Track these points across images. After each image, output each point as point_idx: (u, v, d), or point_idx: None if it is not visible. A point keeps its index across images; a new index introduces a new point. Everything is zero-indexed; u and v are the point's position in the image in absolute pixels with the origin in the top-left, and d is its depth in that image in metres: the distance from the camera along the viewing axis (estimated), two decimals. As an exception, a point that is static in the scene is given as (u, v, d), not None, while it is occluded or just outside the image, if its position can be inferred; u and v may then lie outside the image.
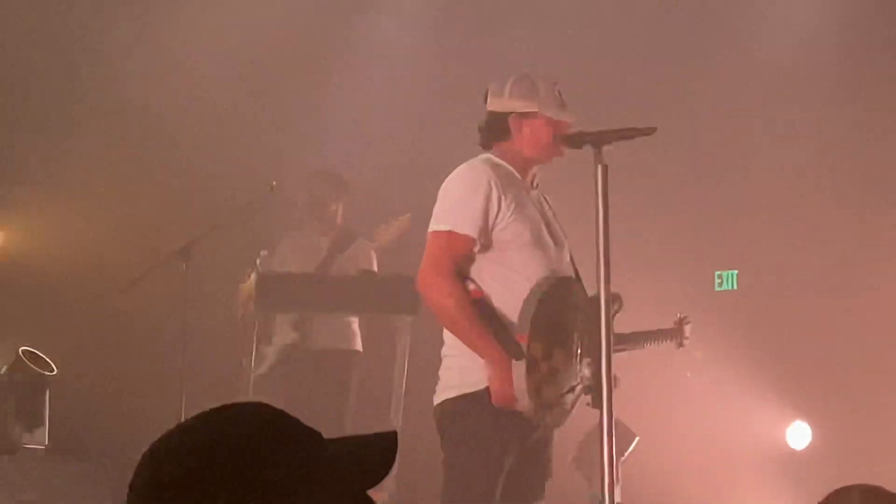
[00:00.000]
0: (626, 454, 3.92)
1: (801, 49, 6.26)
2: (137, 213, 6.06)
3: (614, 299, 2.97)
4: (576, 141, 2.98)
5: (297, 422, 0.87)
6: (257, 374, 4.82)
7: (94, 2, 6.75)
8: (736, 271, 5.04)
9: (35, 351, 4.56)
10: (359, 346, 5.01)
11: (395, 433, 0.87)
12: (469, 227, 3.04)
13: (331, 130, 6.32)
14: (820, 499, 2.03)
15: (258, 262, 4.70)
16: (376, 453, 0.87)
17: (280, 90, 6.78)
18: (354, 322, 4.95)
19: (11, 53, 6.30)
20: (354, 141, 6.35)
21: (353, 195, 5.23)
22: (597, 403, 2.87)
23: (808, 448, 5.42)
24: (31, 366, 4.46)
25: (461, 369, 3.11)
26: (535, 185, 3.25)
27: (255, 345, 4.75)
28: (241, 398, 4.23)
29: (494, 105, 3.24)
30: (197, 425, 0.82)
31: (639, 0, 6.89)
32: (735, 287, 5.10)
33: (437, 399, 3.14)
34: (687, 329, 3.49)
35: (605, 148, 2.82)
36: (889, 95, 5.88)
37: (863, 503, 2.16)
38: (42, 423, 4.45)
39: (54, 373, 4.47)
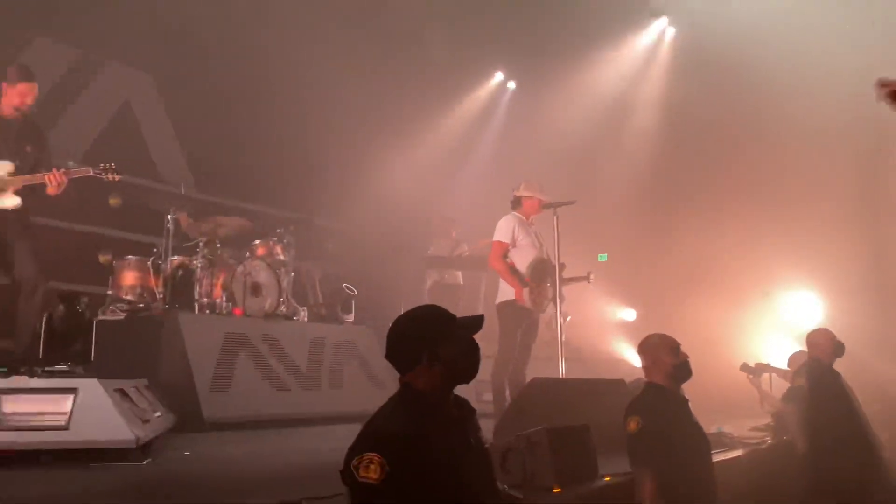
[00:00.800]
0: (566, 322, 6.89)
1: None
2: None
3: (562, 266, 6.93)
4: (546, 207, 6.71)
5: (446, 310, 2.69)
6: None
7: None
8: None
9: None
10: (461, 281, 9.50)
11: (482, 315, 2.73)
12: (506, 239, 6.52)
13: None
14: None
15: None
16: (477, 320, 2.81)
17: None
18: (459, 274, 9.36)
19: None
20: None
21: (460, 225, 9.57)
22: (555, 306, 6.89)
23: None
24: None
25: (505, 290, 6.43)
26: (531, 223, 6.62)
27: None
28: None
29: (517, 192, 6.68)
30: (412, 311, 2.71)
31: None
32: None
33: (497, 301, 6.61)
34: (591, 276, 6.97)
35: (558, 209, 6.80)
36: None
37: (660, 339, 4.76)
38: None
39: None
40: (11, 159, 5.69)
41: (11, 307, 5.68)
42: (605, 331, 9.98)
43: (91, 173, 5.69)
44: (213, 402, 6.54)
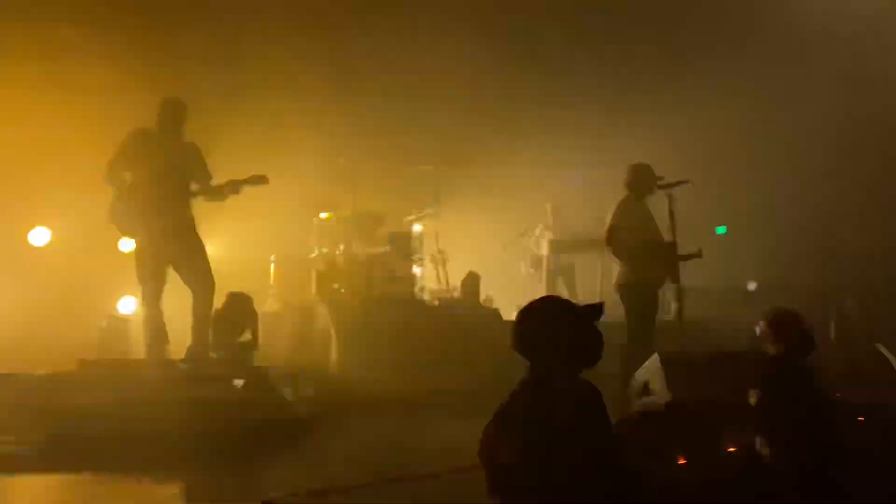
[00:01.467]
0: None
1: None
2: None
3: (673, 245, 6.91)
4: (661, 188, 6.65)
5: (568, 300, 2.93)
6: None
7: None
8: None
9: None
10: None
11: (603, 303, 2.78)
12: (621, 221, 6.63)
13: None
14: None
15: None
16: (598, 308, 2.83)
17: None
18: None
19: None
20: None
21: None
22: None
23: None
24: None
25: (625, 271, 6.51)
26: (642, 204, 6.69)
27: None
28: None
29: (629, 174, 6.73)
30: (536, 301, 2.86)
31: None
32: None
33: (617, 282, 6.63)
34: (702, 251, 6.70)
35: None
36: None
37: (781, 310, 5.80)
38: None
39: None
40: None
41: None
42: (726, 303, 9.70)
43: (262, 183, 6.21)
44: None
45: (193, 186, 6.26)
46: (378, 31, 9.47)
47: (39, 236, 8.40)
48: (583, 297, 9.61)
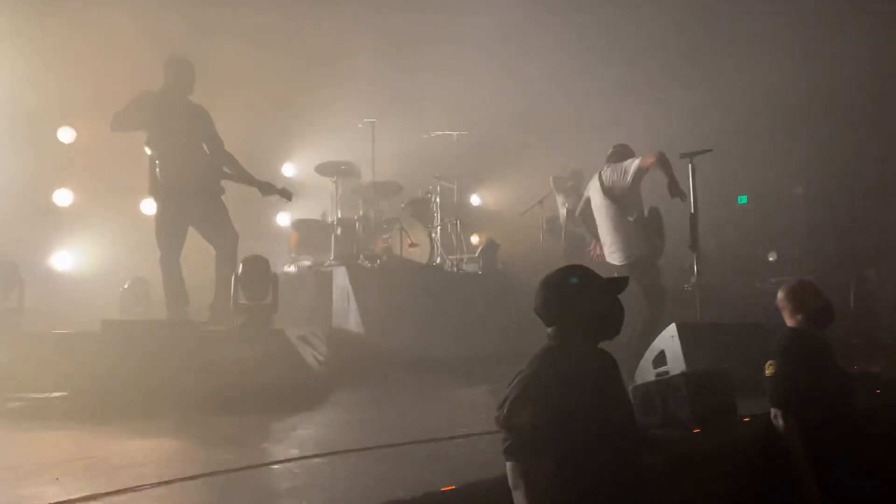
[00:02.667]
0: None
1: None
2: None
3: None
4: (683, 156, 6.79)
5: (594, 270, 2.79)
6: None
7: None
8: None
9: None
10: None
11: (628, 277, 2.93)
12: None
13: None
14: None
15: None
16: (623, 281, 2.87)
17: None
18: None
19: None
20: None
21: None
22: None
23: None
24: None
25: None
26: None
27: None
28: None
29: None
30: (557, 270, 2.82)
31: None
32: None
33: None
34: None
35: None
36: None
37: (801, 283, 5.44)
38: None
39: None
40: None
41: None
42: (746, 273, 9.61)
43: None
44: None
45: (225, 170, 6.34)
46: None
47: (62, 198, 8.46)
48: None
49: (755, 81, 9.79)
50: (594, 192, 6.68)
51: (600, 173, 6.68)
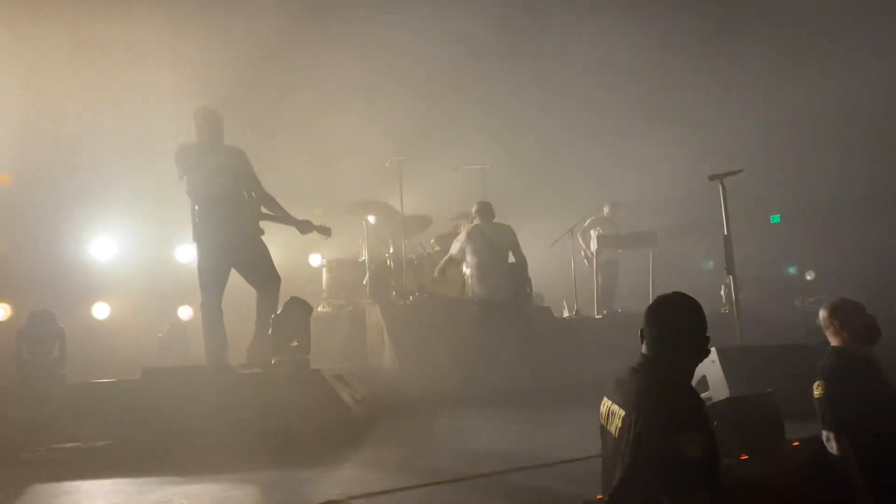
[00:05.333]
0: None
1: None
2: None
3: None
4: (713, 178, 6.79)
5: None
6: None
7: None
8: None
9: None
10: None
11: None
12: None
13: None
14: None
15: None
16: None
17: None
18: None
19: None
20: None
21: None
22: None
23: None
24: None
25: None
26: None
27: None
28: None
29: None
30: (677, 298, 2.85)
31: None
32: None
33: None
34: None
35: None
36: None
37: (847, 301, 5.09)
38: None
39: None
40: None
41: None
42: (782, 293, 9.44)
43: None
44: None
45: (264, 210, 6.39)
46: (415, 28, 9.44)
47: (102, 250, 8.62)
48: (627, 291, 9.54)
49: (784, 98, 9.68)
50: None
51: None
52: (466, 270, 7.88)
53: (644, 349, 2.84)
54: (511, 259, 8.04)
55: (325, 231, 6.53)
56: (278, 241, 6.96)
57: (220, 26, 8.15)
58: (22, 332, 5.87)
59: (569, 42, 9.78)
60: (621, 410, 2.67)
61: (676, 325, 2.78)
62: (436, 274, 8.27)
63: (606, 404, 2.82)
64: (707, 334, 2.81)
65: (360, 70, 9.11)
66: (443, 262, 8.24)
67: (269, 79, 8.49)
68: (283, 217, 6.42)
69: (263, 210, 6.39)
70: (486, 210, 8.10)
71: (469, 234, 7.92)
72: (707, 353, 2.85)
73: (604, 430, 2.83)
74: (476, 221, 8.04)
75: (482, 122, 9.69)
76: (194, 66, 7.93)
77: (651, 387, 2.68)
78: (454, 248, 8.02)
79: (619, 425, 2.66)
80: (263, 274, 6.27)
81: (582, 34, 9.69)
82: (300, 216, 6.53)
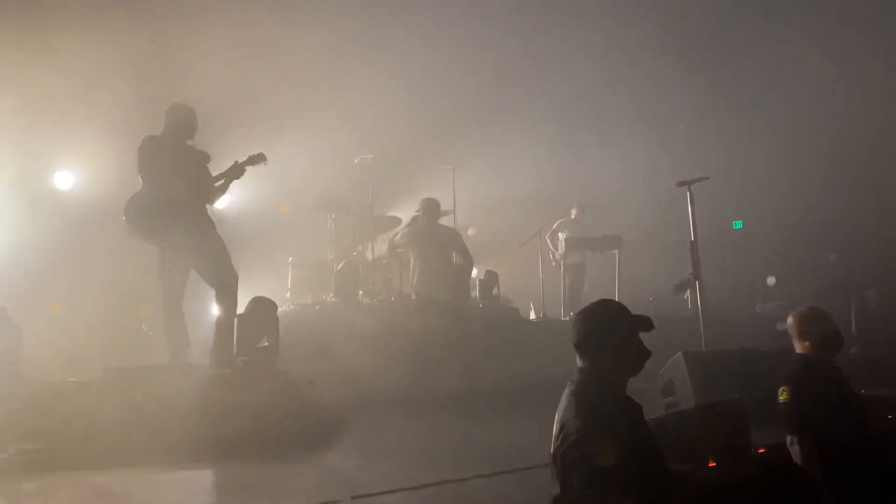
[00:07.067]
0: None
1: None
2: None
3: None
4: (681, 185, 6.86)
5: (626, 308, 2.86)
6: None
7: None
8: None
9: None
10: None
11: (650, 318, 2.79)
12: None
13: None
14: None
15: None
16: (648, 321, 2.81)
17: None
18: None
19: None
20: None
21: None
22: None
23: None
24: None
25: None
26: None
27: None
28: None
29: None
30: (596, 304, 2.87)
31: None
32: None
33: None
34: None
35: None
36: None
37: (811, 309, 5.71)
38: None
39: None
40: None
41: None
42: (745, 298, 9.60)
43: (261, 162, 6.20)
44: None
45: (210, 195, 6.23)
46: (384, 27, 9.41)
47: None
48: (594, 295, 9.55)
49: (752, 107, 9.85)
50: None
51: None
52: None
53: (577, 361, 2.84)
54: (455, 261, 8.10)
55: (258, 158, 6.18)
56: (246, 236, 6.82)
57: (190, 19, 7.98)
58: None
59: (547, 45, 9.80)
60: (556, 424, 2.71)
61: (598, 331, 2.77)
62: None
63: (556, 418, 2.82)
64: (635, 339, 2.77)
65: (331, 63, 8.99)
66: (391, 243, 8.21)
67: (241, 72, 8.33)
68: (223, 183, 6.23)
69: (210, 196, 6.23)
70: (432, 207, 8.03)
71: (415, 231, 7.87)
72: (641, 357, 2.79)
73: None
74: (421, 219, 7.97)
75: (453, 121, 9.64)
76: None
77: (577, 396, 2.70)
78: (399, 241, 7.99)
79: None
80: (222, 271, 6.11)
81: (555, 37, 9.75)
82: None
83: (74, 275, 8.13)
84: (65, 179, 8.45)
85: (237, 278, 6.19)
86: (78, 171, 8.39)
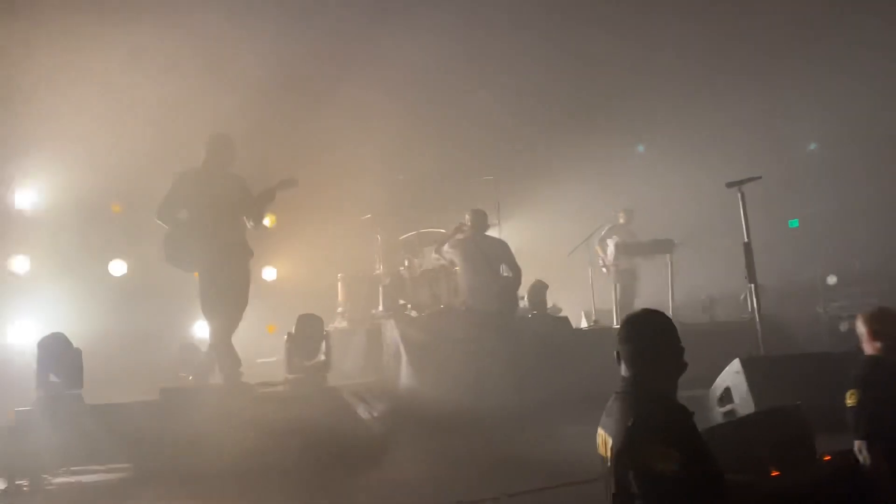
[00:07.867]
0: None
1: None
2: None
3: None
4: (730, 185, 6.69)
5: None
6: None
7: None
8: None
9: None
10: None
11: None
12: None
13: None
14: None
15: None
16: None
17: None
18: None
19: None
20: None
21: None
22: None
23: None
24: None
25: None
26: None
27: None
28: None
29: None
30: (658, 315, 2.85)
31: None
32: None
33: None
34: None
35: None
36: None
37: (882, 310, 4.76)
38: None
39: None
40: None
41: None
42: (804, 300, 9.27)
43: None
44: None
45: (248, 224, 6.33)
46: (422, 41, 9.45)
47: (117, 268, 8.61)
48: (646, 300, 9.39)
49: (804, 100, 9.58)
50: None
51: None
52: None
53: (622, 371, 2.81)
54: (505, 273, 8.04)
55: (290, 183, 6.21)
56: (296, 256, 6.84)
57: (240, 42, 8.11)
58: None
59: (589, 44, 9.69)
60: (609, 438, 2.68)
61: (644, 340, 2.76)
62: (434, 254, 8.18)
63: (601, 434, 2.80)
64: (680, 346, 2.77)
65: (374, 85, 9.07)
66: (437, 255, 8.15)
67: (288, 94, 8.45)
68: (260, 206, 6.28)
69: (248, 222, 6.31)
70: (479, 219, 8.01)
71: (461, 243, 7.82)
72: (683, 366, 2.78)
73: (602, 462, 2.79)
74: (468, 231, 7.94)
75: (492, 134, 9.62)
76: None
77: (628, 407, 2.67)
78: (445, 254, 7.95)
79: (608, 455, 2.66)
80: (239, 297, 6.20)
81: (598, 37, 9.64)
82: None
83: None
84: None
85: (243, 312, 6.28)
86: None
